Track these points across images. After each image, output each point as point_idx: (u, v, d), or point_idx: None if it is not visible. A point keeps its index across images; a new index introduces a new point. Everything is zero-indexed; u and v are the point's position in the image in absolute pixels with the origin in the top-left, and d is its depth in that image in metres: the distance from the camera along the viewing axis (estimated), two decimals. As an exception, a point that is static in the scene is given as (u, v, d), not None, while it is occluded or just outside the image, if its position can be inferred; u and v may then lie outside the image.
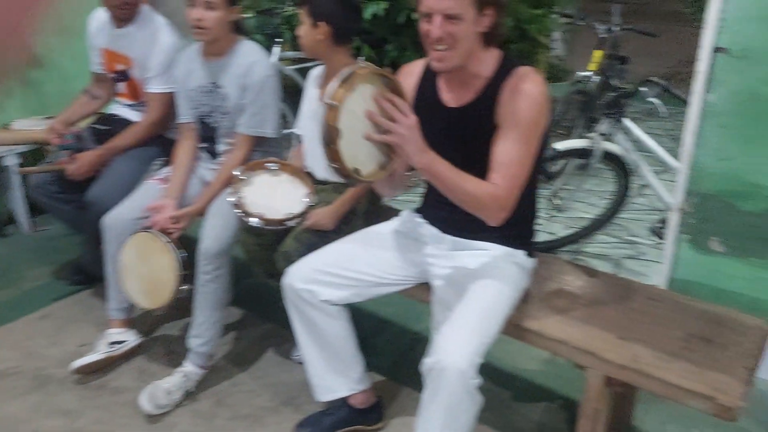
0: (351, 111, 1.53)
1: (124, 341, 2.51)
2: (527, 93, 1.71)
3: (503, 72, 1.78)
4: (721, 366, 1.70)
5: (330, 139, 1.52)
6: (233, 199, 2.19)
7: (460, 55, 1.71)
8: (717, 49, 2.19)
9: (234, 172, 2.27)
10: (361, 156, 1.61)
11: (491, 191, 1.71)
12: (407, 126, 1.58)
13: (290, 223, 2.20)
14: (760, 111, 2.15)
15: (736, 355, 1.75)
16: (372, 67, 1.58)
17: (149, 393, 2.26)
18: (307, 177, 2.34)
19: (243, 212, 2.17)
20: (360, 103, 1.55)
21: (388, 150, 1.64)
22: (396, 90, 1.61)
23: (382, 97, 1.56)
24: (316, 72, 2.41)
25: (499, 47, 1.84)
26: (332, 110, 1.51)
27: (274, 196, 2.27)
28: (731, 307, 1.97)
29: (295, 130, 2.55)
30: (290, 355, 2.52)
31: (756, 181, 2.22)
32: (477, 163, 1.81)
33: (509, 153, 1.73)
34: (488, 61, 1.80)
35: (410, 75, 1.95)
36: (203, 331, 2.34)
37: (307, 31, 2.21)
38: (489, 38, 1.77)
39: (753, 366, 1.71)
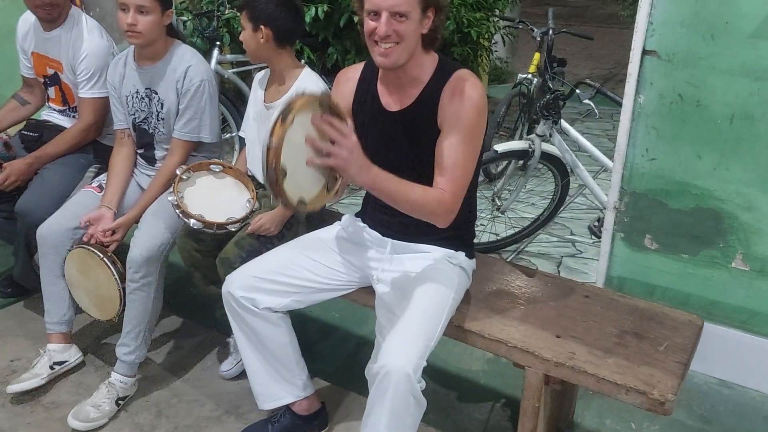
0: (291, 143, 1.51)
1: (65, 361, 2.42)
2: (467, 96, 1.74)
3: (441, 75, 1.80)
4: (654, 361, 1.75)
5: (274, 179, 1.51)
6: (172, 199, 2.15)
7: (404, 52, 1.73)
8: (646, 52, 2.26)
9: (176, 172, 2.23)
10: (304, 183, 1.60)
11: (437, 197, 1.73)
12: (348, 148, 1.56)
13: (231, 227, 2.17)
14: (686, 112, 2.23)
15: (668, 349, 1.80)
16: (309, 95, 1.56)
17: (76, 410, 2.19)
18: (251, 181, 2.32)
19: (182, 212, 2.13)
20: (300, 132, 1.53)
21: (332, 171, 1.64)
22: (335, 110, 1.60)
23: (321, 120, 1.54)
24: (260, 75, 2.39)
25: (440, 50, 1.86)
26: (272, 151, 1.49)
27: (216, 198, 2.24)
28: (663, 303, 2.04)
29: (238, 134, 2.52)
30: (219, 370, 2.47)
31: (683, 180, 2.30)
32: (421, 165, 1.84)
33: (453, 155, 1.75)
34: (426, 64, 1.82)
35: (348, 81, 1.96)
36: (130, 340, 2.28)
37: (248, 35, 2.19)
38: (428, 41, 1.79)
39: (685, 360, 1.77)
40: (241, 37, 2.24)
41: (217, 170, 2.31)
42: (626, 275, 2.53)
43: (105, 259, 2.22)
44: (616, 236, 2.51)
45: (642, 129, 2.34)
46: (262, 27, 2.15)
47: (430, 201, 1.72)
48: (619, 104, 2.41)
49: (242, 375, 2.37)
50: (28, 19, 2.73)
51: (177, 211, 2.14)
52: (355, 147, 1.57)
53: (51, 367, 2.37)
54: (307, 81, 2.22)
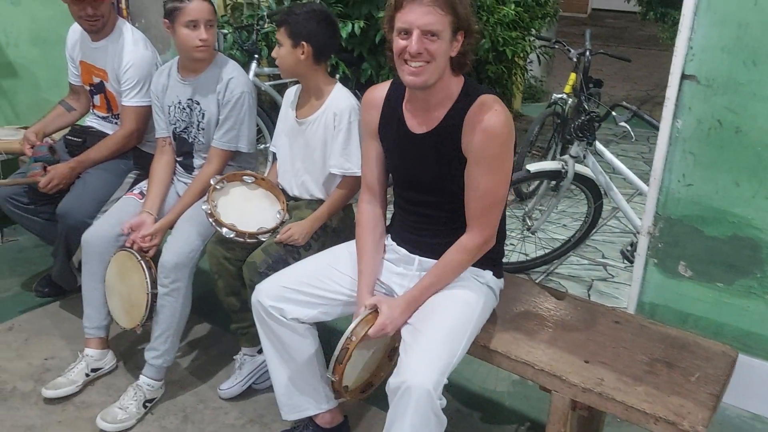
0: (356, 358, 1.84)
1: (101, 368, 2.47)
2: (489, 126, 1.73)
3: (465, 99, 1.80)
4: (684, 391, 1.71)
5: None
6: (206, 208, 2.20)
7: (434, 72, 1.73)
8: (685, 77, 2.23)
9: (210, 182, 2.29)
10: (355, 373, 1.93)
11: (475, 244, 1.84)
12: (390, 327, 1.79)
13: (262, 237, 2.21)
14: (724, 138, 2.20)
15: (699, 380, 1.76)
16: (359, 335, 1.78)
17: (105, 411, 2.24)
18: (282, 193, 2.36)
19: (215, 221, 2.17)
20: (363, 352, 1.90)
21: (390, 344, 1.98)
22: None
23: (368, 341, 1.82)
24: (291, 92, 2.42)
25: (474, 68, 1.88)
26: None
27: (248, 208, 2.29)
28: (696, 332, 2.00)
29: (270, 147, 2.56)
30: (218, 387, 2.45)
31: (720, 207, 2.27)
32: (446, 186, 1.86)
33: (482, 187, 1.78)
34: (453, 87, 1.82)
35: (373, 106, 1.97)
36: (159, 344, 2.32)
37: (287, 51, 2.20)
38: (457, 64, 1.80)
39: (717, 392, 1.73)
40: (275, 54, 2.25)
41: (250, 181, 2.36)
42: (658, 302, 2.49)
43: (142, 262, 2.27)
44: (650, 262, 2.47)
45: (679, 154, 2.31)
46: (303, 43, 2.18)
47: (471, 256, 1.86)
48: (656, 128, 2.38)
49: (266, 384, 2.39)
50: (77, 30, 2.82)
51: (210, 219, 2.18)
52: (397, 320, 1.80)
53: (87, 375, 2.42)
54: (340, 97, 2.25)
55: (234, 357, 2.49)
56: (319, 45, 2.20)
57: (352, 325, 1.79)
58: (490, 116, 1.74)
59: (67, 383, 2.37)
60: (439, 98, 1.81)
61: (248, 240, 2.20)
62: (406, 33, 1.70)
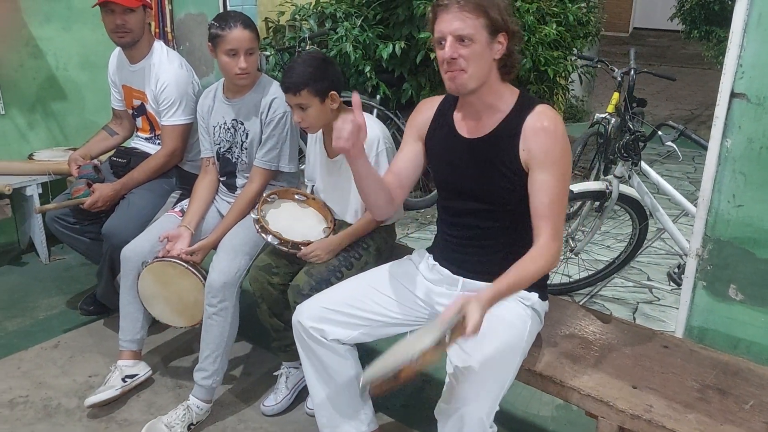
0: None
1: (136, 375, 2.50)
2: (553, 131, 1.75)
3: (523, 108, 1.81)
4: (738, 419, 1.65)
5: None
6: (255, 215, 2.23)
7: (472, 77, 1.74)
8: (734, 95, 2.18)
9: (264, 193, 2.34)
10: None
11: (548, 252, 1.76)
12: (473, 331, 1.57)
13: (304, 249, 2.22)
14: (777, 158, 2.13)
15: (754, 408, 1.70)
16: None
17: (149, 426, 2.25)
18: (330, 213, 2.38)
19: (261, 227, 2.20)
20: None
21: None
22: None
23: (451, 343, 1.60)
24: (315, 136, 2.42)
25: (517, 86, 1.87)
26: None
27: (295, 224, 2.31)
28: (749, 357, 1.93)
29: (305, 181, 2.57)
30: (305, 407, 2.47)
31: (773, 229, 2.19)
32: (488, 194, 1.85)
33: (549, 195, 1.77)
34: (506, 96, 1.83)
35: (427, 110, 1.99)
36: (208, 364, 2.33)
37: (317, 110, 2.17)
38: (503, 68, 1.81)
39: (773, 420, 1.66)
40: (299, 118, 2.18)
41: (301, 199, 2.39)
42: (708, 326, 2.40)
43: (189, 267, 2.31)
44: (698, 284, 2.39)
45: (728, 174, 2.24)
46: (331, 93, 2.17)
47: (543, 265, 1.76)
48: (704, 147, 2.32)
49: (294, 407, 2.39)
50: (115, 54, 2.90)
51: (257, 226, 2.22)
52: (479, 321, 1.57)
53: (123, 380, 2.45)
54: (369, 127, 2.25)
55: (275, 373, 2.49)
56: (341, 85, 2.22)
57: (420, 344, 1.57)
58: (551, 123, 1.76)
59: (105, 388, 2.41)
60: (489, 103, 1.82)
61: (291, 250, 2.20)
62: (441, 42, 1.73)
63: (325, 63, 2.19)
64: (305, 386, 2.37)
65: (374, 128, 2.22)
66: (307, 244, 2.22)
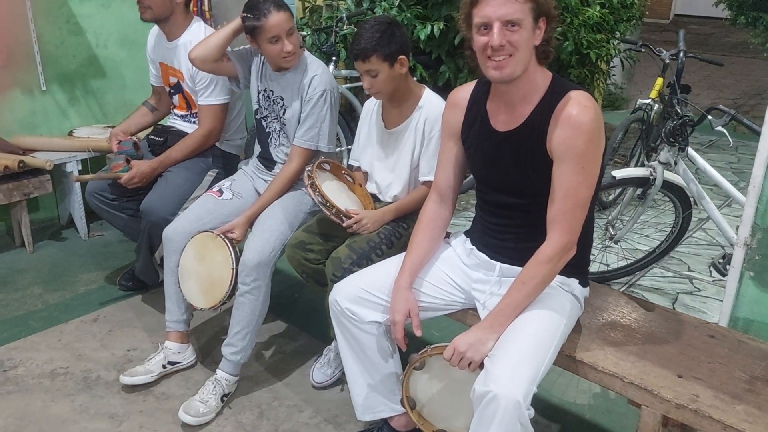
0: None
1: (178, 363, 2.52)
2: (576, 122, 1.66)
3: (553, 95, 1.73)
4: (789, 412, 1.59)
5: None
6: (309, 169, 2.22)
7: (519, 64, 1.68)
8: (790, 79, 2.09)
9: (320, 158, 2.33)
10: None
11: (554, 251, 1.73)
12: (479, 357, 1.70)
13: (345, 218, 2.21)
14: (836, 145, 2.05)
15: (804, 401, 1.64)
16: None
17: (186, 405, 2.27)
18: (372, 203, 2.36)
19: (311, 184, 2.17)
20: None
21: None
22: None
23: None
24: (371, 105, 2.40)
25: (557, 72, 1.80)
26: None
27: (340, 196, 2.30)
28: (799, 350, 1.86)
29: (350, 162, 2.55)
30: (312, 376, 2.48)
31: (829, 219, 2.11)
32: (526, 187, 1.80)
33: (565, 187, 1.70)
34: (539, 82, 1.76)
35: (457, 106, 1.94)
36: (237, 340, 2.34)
37: (386, 75, 2.13)
38: (541, 54, 1.74)
39: (824, 414, 1.61)
40: (369, 85, 2.16)
41: (350, 181, 2.39)
42: (754, 317, 2.34)
43: (226, 240, 2.31)
44: (745, 275, 2.32)
45: (781, 161, 2.16)
46: (400, 58, 2.13)
47: (548, 267, 1.73)
48: (757, 132, 2.24)
49: (341, 383, 2.39)
50: (155, 31, 2.90)
51: (307, 182, 2.19)
52: (480, 353, 1.70)
53: (164, 366, 2.47)
54: (432, 103, 2.23)
55: (328, 347, 2.52)
56: (409, 49, 2.18)
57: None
58: (579, 111, 1.67)
59: (143, 372, 2.43)
60: (525, 92, 1.76)
61: (333, 216, 2.18)
62: (486, 27, 1.66)
63: (392, 27, 2.14)
64: None
65: (436, 107, 2.18)
66: (350, 214, 2.19)
